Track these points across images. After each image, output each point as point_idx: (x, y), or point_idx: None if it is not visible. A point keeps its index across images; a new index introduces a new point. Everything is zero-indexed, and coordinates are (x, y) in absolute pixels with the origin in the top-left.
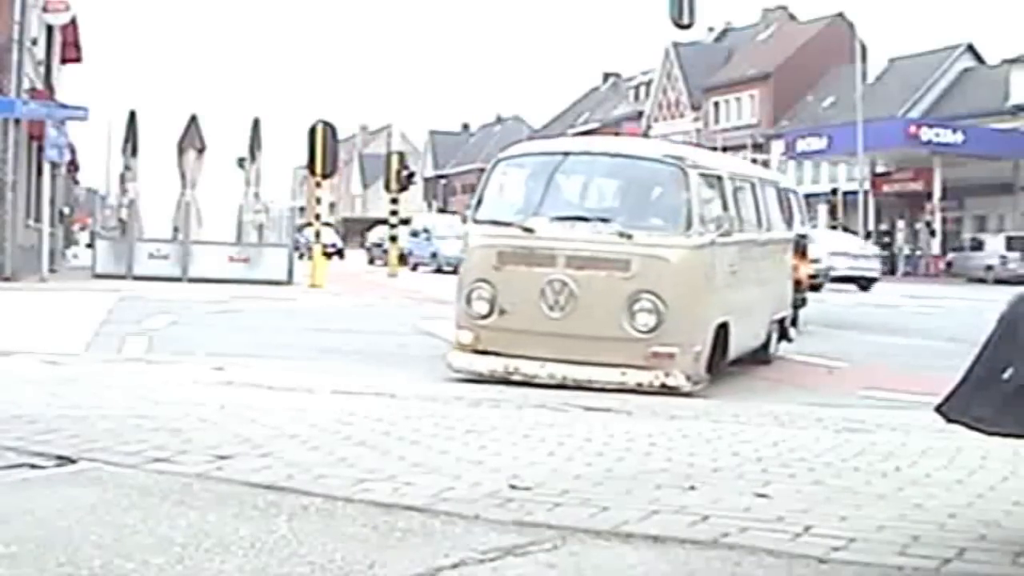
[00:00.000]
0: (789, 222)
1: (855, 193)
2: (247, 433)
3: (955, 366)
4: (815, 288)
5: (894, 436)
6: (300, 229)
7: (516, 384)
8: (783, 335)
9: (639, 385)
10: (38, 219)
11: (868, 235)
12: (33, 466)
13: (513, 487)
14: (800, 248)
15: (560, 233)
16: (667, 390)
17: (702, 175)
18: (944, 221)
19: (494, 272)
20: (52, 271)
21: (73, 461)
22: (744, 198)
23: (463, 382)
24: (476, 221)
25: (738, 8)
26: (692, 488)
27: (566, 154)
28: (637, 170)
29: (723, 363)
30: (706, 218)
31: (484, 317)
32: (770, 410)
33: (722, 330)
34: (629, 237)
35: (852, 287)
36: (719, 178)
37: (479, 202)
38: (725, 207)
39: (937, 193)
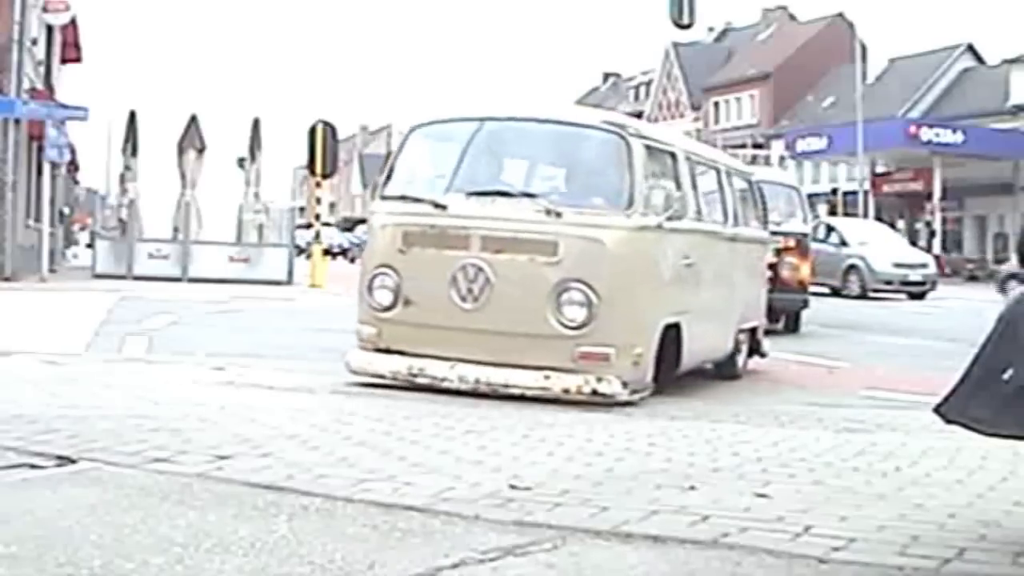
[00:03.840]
0: (764, 221)
1: (855, 193)
2: (247, 433)
3: (955, 366)
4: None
5: (894, 436)
6: (308, 228)
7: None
8: (755, 348)
9: (565, 392)
10: (38, 219)
11: None
12: (33, 466)
13: (513, 487)
14: (802, 247)
15: (476, 210)
16: (598, 398)
17: (649, 148)
18: (944, 221)
19: (399, 256)
20: (52, 271)
21: (73, 461)
22: (706, 184)
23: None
24: (383, 197)
25: (738, 8)
26: (692, 488)
27: (488, 120)
28: (571, 139)
29: (674, 373)
30: (653, 198)
31: (387, 309)
32: (770, 410)
33: (673, 333)
34: (558, 215)
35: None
36: (672, 156)
37: (389, 175)
38: (678, 188)
39: (937, 193)
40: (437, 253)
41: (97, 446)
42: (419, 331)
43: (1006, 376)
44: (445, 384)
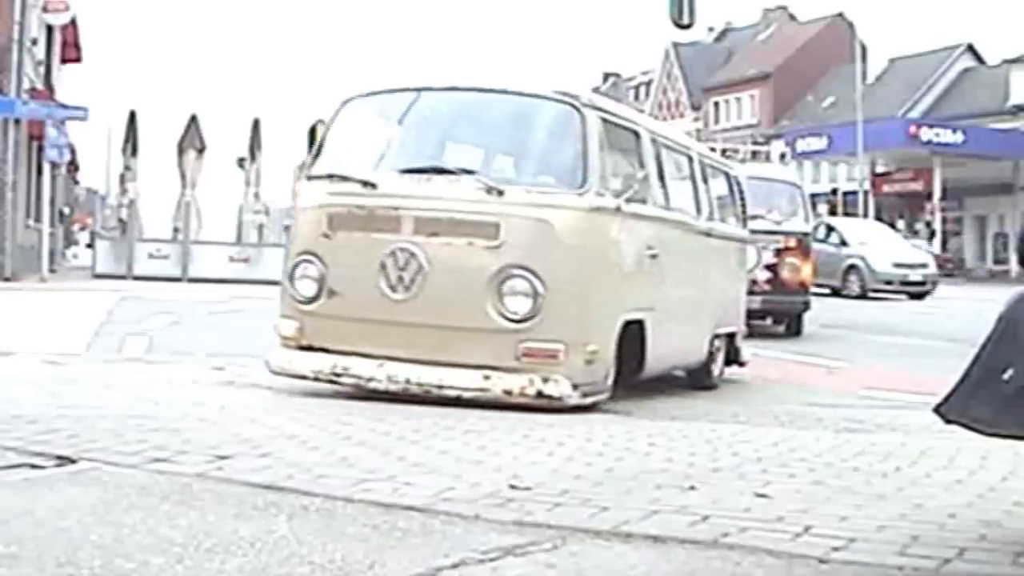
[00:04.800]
0: (744, 219)
1: (855, 193)
2: (247, 433)
3: (955, 366)
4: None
5: (894, 436)
6: None
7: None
8: (733, 357)
9: (507, 393)
10: (38, 219)
11: None
12: (33, 466)
13: (513, 487)
14: (803, 247)
15: (409, 189)
16: (544, 401)
17: (606, 122)
18: (944, 221)
19: (323, 242)
20: (52, 271)
21: (73, 461)
22: (675, 171)
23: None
24: (309, 177)
25: (738, 8)
26: (692, 488)
27: (427, 90)
28: (518, 110)
29: (636, 377)
30: (610, 177)
31: (310, 301)
32: (770, 410)
33: (635, 331)
34: (500, 193)
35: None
36: (635, 134)
37: (317, 153)
38: (641, 169)
39: (937, 193)
40: (365, 237)
41: (97, 446)
42: (344, 325)
43: (1006, 376)
44: (372, 385)
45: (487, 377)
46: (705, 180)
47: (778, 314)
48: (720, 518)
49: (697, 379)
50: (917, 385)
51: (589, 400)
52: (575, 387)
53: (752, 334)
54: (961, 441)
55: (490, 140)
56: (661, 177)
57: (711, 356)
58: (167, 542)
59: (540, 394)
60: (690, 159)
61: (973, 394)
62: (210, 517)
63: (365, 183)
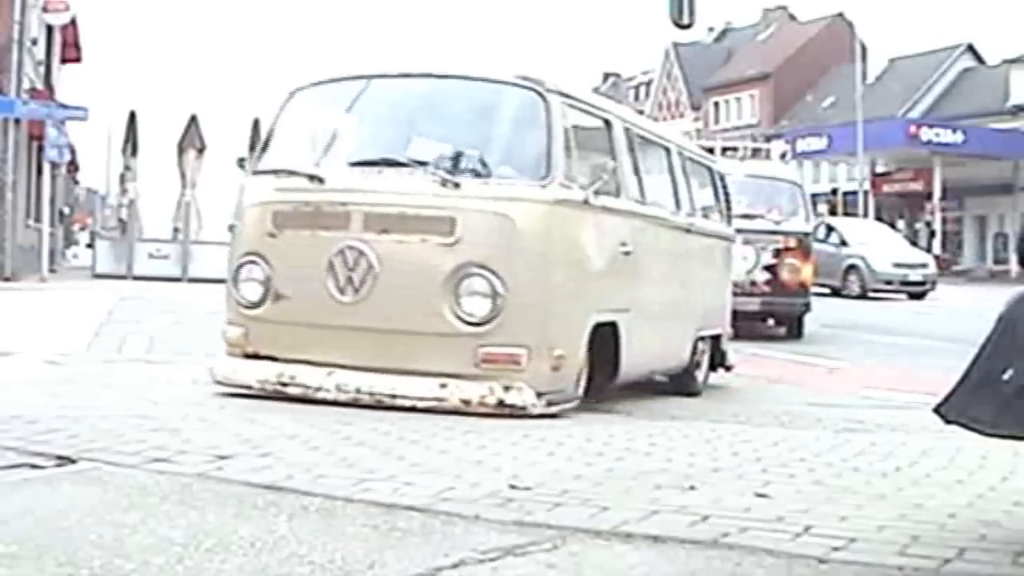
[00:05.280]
0: (728, 217)
1: (855, 193)
2: (247, 433)
3: (955, 366)
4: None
5: (894, 436)
6: None
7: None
8: (718, 361)
9: (465, 403)
10: (38, 219)
11: None
12: (33, 466)
13: (513, 487)
14: (804, 248)
15: (359, 183)
16: (505, 410)
17: (573, 108)
18: (944, 221)
19: (268, 241)
20: (52, 271)
21: (73, 461)
22: (652, 164)
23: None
24: (254, 172)
25: (738, 8)
26: (692, 488)
27: (379, 78)
28: (476, 97)
29: (610, 384)
30: (577, 168)
31: (255, 305)
32: (770, 410)
33: (607, 334)
34: (456, 186)
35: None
36: (606, 123)
37: (264, 147)
38: (613, 160)
39: (937, 193)
40: (312, 236)
41: (97, 446)
42: (291, 331)
43: (1006, 376)
44: (320, 395)
45: (444, 385)
46: (685, 175)
47: (777, 316)
48: (720, 518)
49: (680, 384)
50: (917, 385)
51: (555, 409)
52: (540, 395)
53: (752, 335)
54: (961, 441)
55: (447, 129)
56: (636, 170)
57: (694, 360)
58: (167, 542)
59: (501, 403)
60: (668, 152)
61: (973, 394)
62: (210, 517)
63: (312, 177)
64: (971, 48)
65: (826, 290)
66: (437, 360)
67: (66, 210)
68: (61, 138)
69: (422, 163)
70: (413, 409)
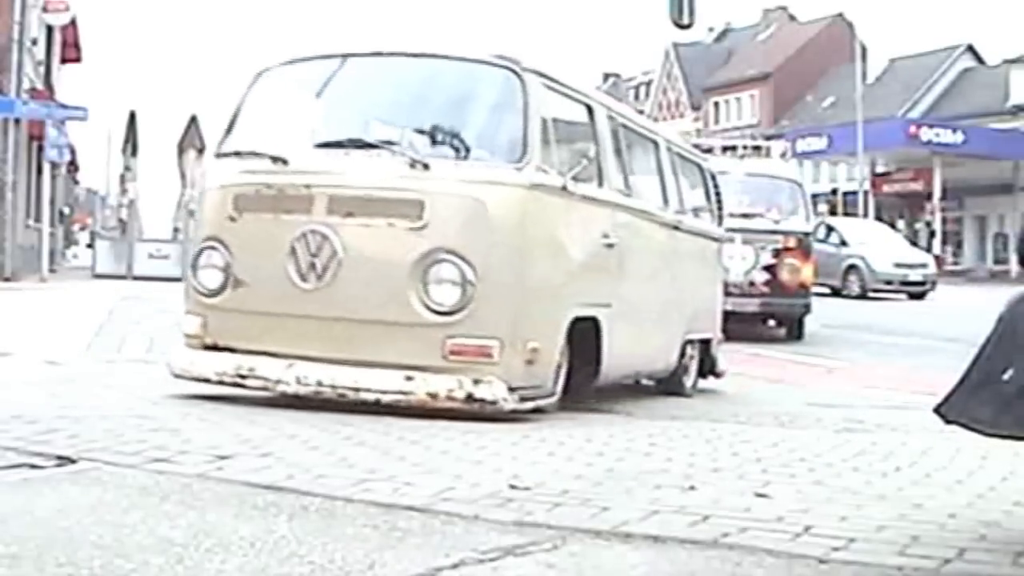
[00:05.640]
0: (720, 217)
1: (855, 193)
2: (247, 433)
3: (955, 366)
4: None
5: (894, 436)
6: None
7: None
8: (708, 366)
9: (432, 397)
10: (38, 219)
11: None
12: (33, 466)
13: (513, 487)
14: (804, 248)
15: (324, 164)
16: (476, 405)
17: (551, 89)
18: (944, 221)
19: (229, 226)
20: (52, 271)
21: (73, 461)
22: (638, 156)
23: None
24: (217, 155)
25: (738, 8)
26: (692, 488)
27: (349, 57)
28: (450, 76)
29: (591, 383)
30: (556, 155)
31: (214, 293)
32: (770, 410)
33: (587, 330)
34: (425, 168)
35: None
36: (588, 109)
37: (229, 129)
38: (595, 148)
39: (937, 193)
40: (274, 219)
41: (97, 446)
42: (251, 320)
43: (1006, 376)
44: (280, 388)
45: (410, 378)
46: (674, 171)
47: (777, 318)
48: (720, 518)
49: (668, 389)
50: (917, 385)
51: (530, 405)
52: (512, 390)
53: (752, 337)
54: (961, 441)
55: (419, 110)
56: (620, 160)
57: (682, 364)
58: (167, 542)
59: (470, 397)
60: (656, 145)
61: (973, 394)
62: (210, 517)
63: (275, 159)
64: (971, 48)
65: (826, 290)
66: (403, 351)
67: (66, 210)
68: (61, 138)
69: (390, 144)
70: (377, 403)
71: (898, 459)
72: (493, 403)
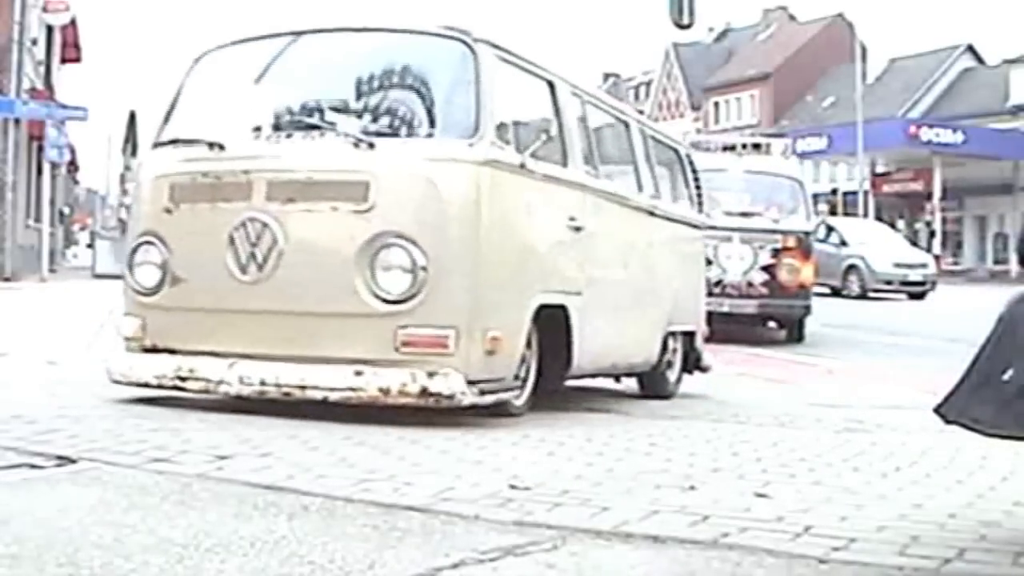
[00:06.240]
0: (699, 204)
1: (855, 193)
2: (247, 433)
3: (955, 366)
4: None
5: (894, 436)
6: None
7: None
8: (693, 361)
9: (384, 392)
10: (38, 219)
11: None
12: (33, 466)
13: (513, 487)
14: (803, 247)
15: (263, 149)
16: (431, 400)
17: (506, 62)
18: (944, 221)
19: (165, 218)
20: (52, 271)
21: (73, 461)
22: (607, 138)
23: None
24: (155, 144)
25: (738, 8)
26: (692, 488)
27: (290, 35)
28: (398, 51)
29: (562, 376)
30: (513, 132)
31: (152, 292)
32: (770, 410)
33: (556, 318)
34: (371, 147)
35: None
36: (550, 85)
37: (167, 117)
38: (558, 127)
39: (937, 193)
40: (211, 209)
41: (97, 446)
42: (191, 318)
43: (1006, 376)
44: (222, 388)
45: (359, 373)
46: (648, 154)
47: (776, 319)
48: (720, 518)
49: (650, 385)
50: (917, 385)
51: (491, 399)
52: (471, 383)
53: (752, 338)
54: (961, 441)
55: (365, 87)
56: (587, 140)
57: (665, 359)
58: (167, 542)
59: (425, 392)
60: (627, 127)
61: (973, 394)
62: (210, 517)
63: (212, 145)
64: (971, 48)
65: (826, 290)
66: (352, 345)
67: (66, 210)
68: (61, 138)
69: (332, 124)
70: (325, 401)
71: (898, 459)
72: (450, 397)
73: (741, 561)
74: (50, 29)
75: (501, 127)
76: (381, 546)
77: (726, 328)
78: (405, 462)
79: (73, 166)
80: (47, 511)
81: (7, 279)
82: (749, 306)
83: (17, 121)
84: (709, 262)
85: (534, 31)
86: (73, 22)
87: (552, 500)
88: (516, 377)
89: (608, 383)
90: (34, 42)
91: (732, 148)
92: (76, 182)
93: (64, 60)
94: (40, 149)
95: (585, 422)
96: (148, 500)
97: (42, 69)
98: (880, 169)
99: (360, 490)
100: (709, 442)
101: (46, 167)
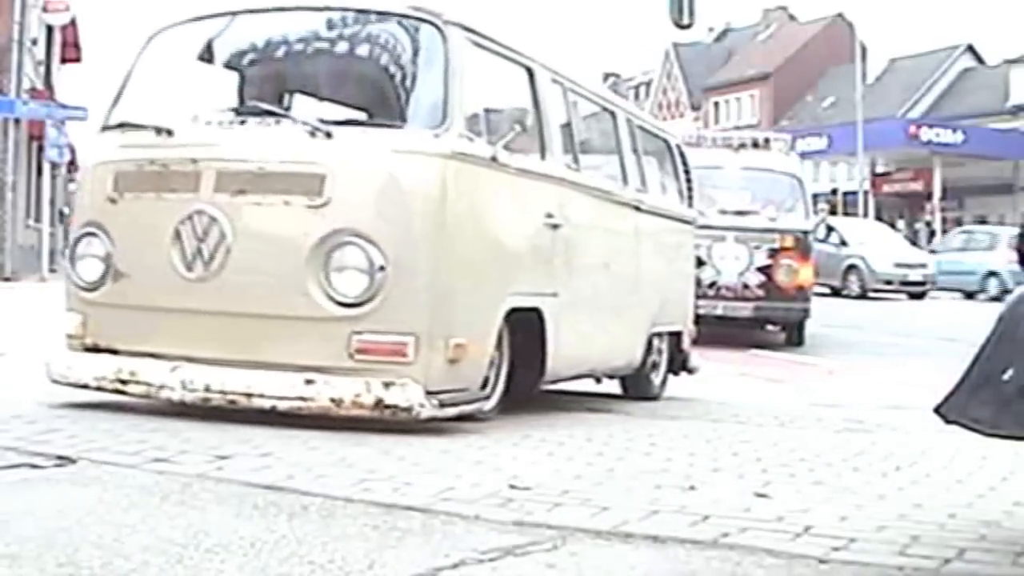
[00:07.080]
0: (689, 198)
1: (855, 193)
2: (247, 433)
3: (955, 366)
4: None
5: (894, 436)
6: None
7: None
8: (679, 363)
9: (336, 403)
10: (38, 219)
11: None
12: (33, 466)
13: (513, 487)
14: (802, 247)
15: (213, 136)
16: (388, 412)
17: (480, 47)
18: (944, 221)
19: (109, 208)
20: (52, 271)
21: (73, 461)
22: (591, 128)
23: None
24: (102, 129)
25: (738, 8)
26: (692, 488)
27: (246, 14)
28: (361, 33)
29: (536, 384)
30: (485, 121)
31: (94, 287)
32: (770, 410)
33: (529, 322)
34: (328, 136)
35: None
36: (528, 71)
37: (116, 99)
38: (536, 115)
39: (937, 193)
40: (157, 200)
41: (97, 446)
42: (134, 316)
43: (1006, 376)
44: (164, 394)
45: (310, 382)
46: (635, 145)
47: (773, 322)
48: (720, 518)
49: (633, 387)
50: (917, 385)
51: (453, 411)
52: (430, 394)
53: (750, 342)
54: (961, 441)
55: (325, 71)
56: (568, 131)
57: (649, 360)
58: (167, 542)
59: (380, 403)
60: (613, 116)
61: (973, 394)
62: (210, 517)
63: (160, 130)
64: (971, 48)
65: (826, 290)
66: (303, 351)
67: (66, 210)
68: (61, 138)
69: (287, 111)
70: (273, 411)
71: (898, 459)
72: (407, 410)
73: (741, 561)
74: (50, 29)
75: (472, 117)
76: (381, 546)
77: (721, 332)
78: (405, 462)
79: (73, 166)
80: (47, 511)
81: (7, 279)
82: (744, 309)
83: (17, 121)
84: (703, 263)
85: (534, 31)
86: (73, 22)
87: (552, 500)
88: (484, 386)
89: (610, 385)
90: (34, 42)
91: (731, 144)
92: (76, 182)
93: (64, 60)
94: (40, 149)
95: (585, 422)
96: (148, 500)
97: (42, 69)
98: (880, 169)
99: (360, 490)
100: (709, 442)
101: (46, 167)
